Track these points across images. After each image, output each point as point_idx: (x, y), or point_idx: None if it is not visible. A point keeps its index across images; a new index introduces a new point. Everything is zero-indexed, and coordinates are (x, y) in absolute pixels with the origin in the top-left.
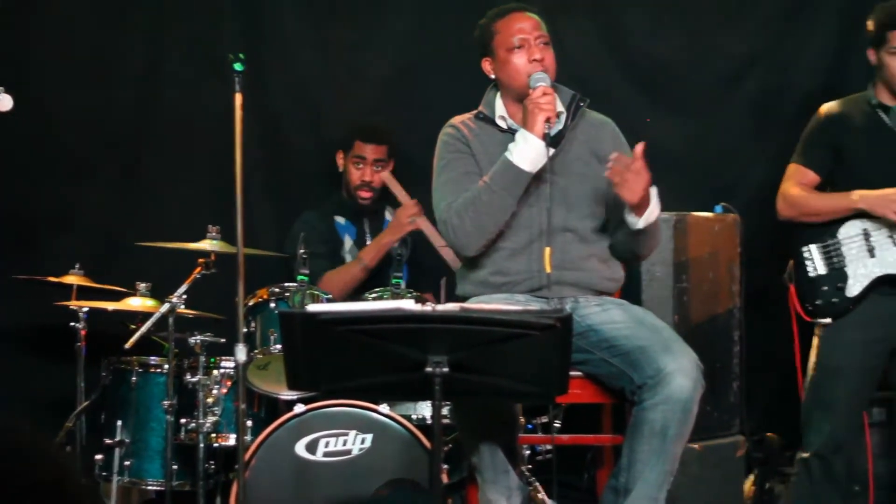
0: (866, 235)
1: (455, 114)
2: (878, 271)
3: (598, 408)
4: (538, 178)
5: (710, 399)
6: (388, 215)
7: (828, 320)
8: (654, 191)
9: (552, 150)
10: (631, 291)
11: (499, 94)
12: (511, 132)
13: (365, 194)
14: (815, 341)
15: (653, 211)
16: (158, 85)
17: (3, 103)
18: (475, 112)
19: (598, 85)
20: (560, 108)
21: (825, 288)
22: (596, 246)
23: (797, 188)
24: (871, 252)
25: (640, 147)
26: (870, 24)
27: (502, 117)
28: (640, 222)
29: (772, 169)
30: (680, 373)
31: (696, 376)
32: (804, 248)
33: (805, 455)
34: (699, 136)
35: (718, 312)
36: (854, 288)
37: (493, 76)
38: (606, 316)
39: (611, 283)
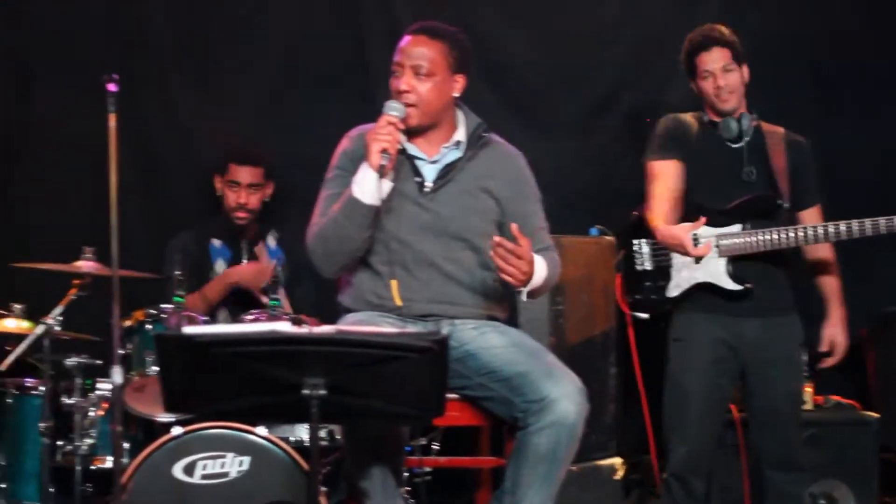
0: (695, 241)
1: (327, 137)
2: (700, 277)
3: (476, 430)
4: (420, 207)
5: (587, 421)
6: (270, 240)
7: (645, 315)
8: (537, 260)
9: (389, 184)
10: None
11: None
12: (406, 154)
13: (241, 215)
14: (668, 361)
15: (536, 280)
16: (32, 104)
17: None
18: None
19: (472, 108)
20: (461, 136)
21: (648, 283)
22: (475, 279)
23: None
24: (697, 258)
25: (514, 227)
26: (682, 58)
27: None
28: (523, 294)
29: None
30: (564, 398)
31: (579, 400)
32: (635, 241)
33: (665, 475)
34: (574, 159)
35: (594, 334)
36: (674, 290)
37: None
38: (484, 341)
39: (490, 319)
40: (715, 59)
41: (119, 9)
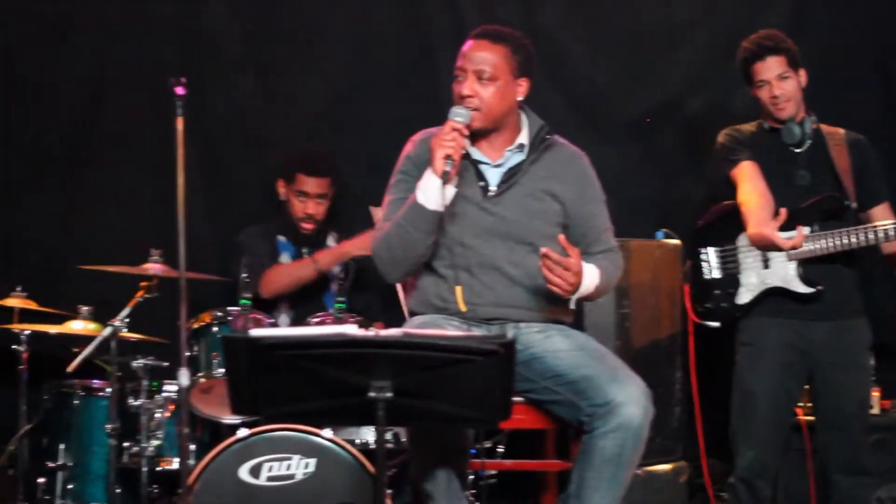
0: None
1: (393, 137)
2: (770, 283)
3: (541, 433)
4: (484, 211)
5: (652, 425)
6: (330, 240)
7: (716, 324)
8: (588, 268)
9: (452, 190)
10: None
11: None
12: (469, 157)
13: (307, 226)
14: (736, 365)
15: (585, 289)
16: (99, 107)
17: None
18: None
19: (537, 110)
20: (524, 139)
21: (717, 292)
22: (540, 282)
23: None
24: (765, 263)
25: (562, 238)
26: (738, 66)
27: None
28: (571, 301)
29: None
30: (630, 402)
31: (645, 403)
32: (702, 250)
33: (732, 479)
34: (640, 162)
35: (660, 338)
36: (744, 296)
37: None
38: (549, 344)
39: (556, 322)
40: (770, 68)
41: (186, 12)
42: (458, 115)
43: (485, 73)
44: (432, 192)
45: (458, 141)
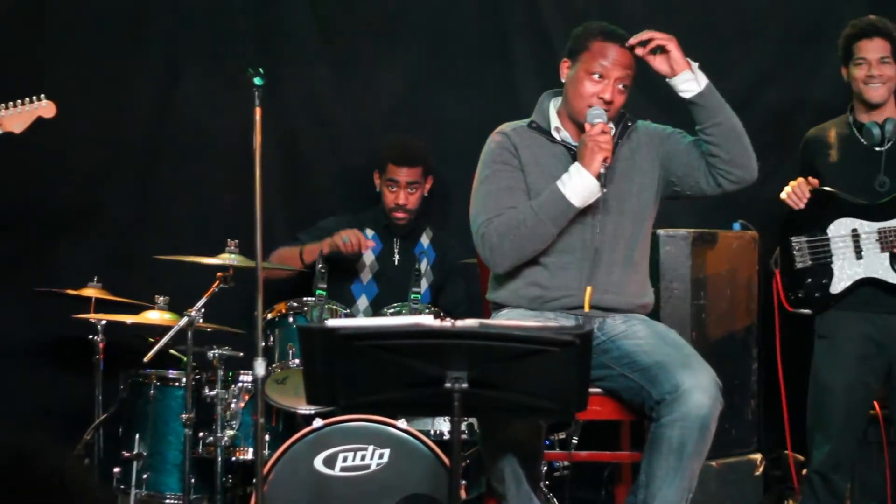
0: (856, 236)
1: (470, 130)
2: (863, 273)
3: (617, 424)
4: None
5: (728, 417)
6: (424, 238)
7: (808, 311)
8: (694, 65)
9: (603, 189)
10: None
11: (552, 103)
12: (564, 145)
13: (399, 215)
14: (813, 358)
15: (698, 77)
16: (176, 98)
17: (47, 110)
18: (528, 121)
19: None
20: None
21: (809, 280)
22: (636, 268)
23: None
24: (858, 253)
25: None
26: (840, 42)
27: (557, 129)
28: (693, 90)
29: None
30: (698, 389)
31: (713, 393)
32: (794, 238)
33: (808, 473)
34: None
35: (736, 329)
36: (838, 285)
37: (563, 80)
38: (630, 331)
39: (641, 308)
40: (875, 49)
41: (263, 2)
42: (600, 117)
43: (624, 81)
44: (584, 191)
45: (611, 143)
